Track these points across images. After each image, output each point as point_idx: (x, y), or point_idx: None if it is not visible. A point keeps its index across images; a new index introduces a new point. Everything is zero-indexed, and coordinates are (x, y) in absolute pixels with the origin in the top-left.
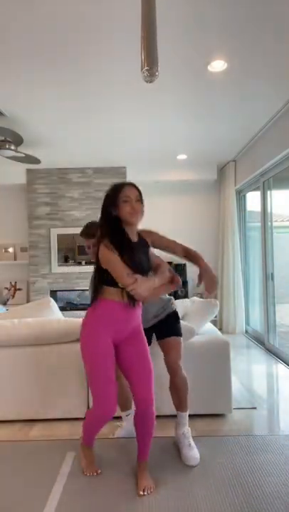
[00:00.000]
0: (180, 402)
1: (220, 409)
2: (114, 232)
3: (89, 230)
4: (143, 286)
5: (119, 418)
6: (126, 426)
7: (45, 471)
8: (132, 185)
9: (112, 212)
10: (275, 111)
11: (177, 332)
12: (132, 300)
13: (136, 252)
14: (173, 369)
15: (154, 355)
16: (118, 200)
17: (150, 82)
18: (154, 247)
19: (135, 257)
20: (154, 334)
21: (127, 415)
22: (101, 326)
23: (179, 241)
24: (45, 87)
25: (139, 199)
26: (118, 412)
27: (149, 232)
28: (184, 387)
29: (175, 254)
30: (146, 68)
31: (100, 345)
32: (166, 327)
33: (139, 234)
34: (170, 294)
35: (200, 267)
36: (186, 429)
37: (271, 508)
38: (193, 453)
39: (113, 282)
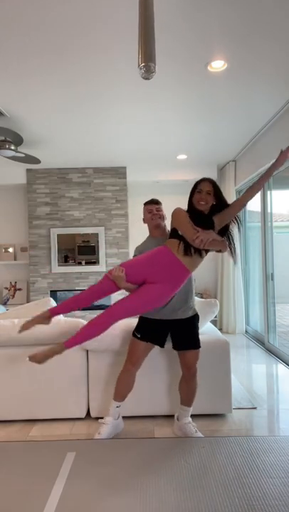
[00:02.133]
0: (189, 400)
1: (220, 409)
2: (190, 208)
3: (157, 200)
4: (204, 233)
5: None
6: (111, 421)
7: (45, 471)
8: (208, 180)
9: (191, 199)
10: (275, 111)
11: (196, 345)
12: (188, 250)
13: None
14: (191, 372)
15: (153, 357)
16: (193, 195)
17: (147, 78)
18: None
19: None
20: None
21: (117, 406)
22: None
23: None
24: (46, 88)
25: (210, 193)
26: (105, 413)
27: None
28: (196, 388)
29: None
30: (142, 64)
31: None
32: (184, 337)
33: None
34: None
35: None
36: (189, 418)
37: (272, 509)
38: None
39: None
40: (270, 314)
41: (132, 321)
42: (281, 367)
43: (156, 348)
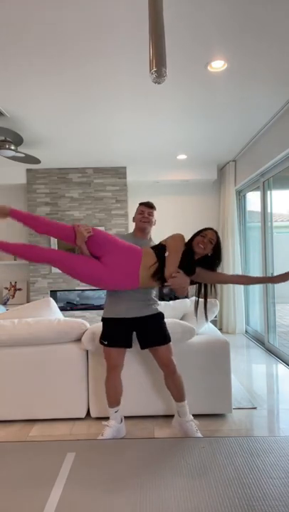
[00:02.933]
0: (180, 395)
1: (220, 409)
2: (188, 248)
3: (152, 204)
4: (183, 277)
5: (103, 419)
6: (114, 424)
7: (45, 471)
8: (214, 231)
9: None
10: (275, 111)
11: (164, 340)
12: (157, 273)
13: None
14: (170, 369)
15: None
16: (196, 236)
17: (158, 83)
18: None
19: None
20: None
21: (115, 411)
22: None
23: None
24: (46, 88)
25: (212, 242)
26: (105, 413)
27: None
28: (181, 381)
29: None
30: (154, 69)
31: None
32: (150, 335)
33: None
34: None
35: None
36: (190, 416)
37: (272, 510)
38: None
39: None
40: (270, 314)
41: None
42: (281, 367)
43: None
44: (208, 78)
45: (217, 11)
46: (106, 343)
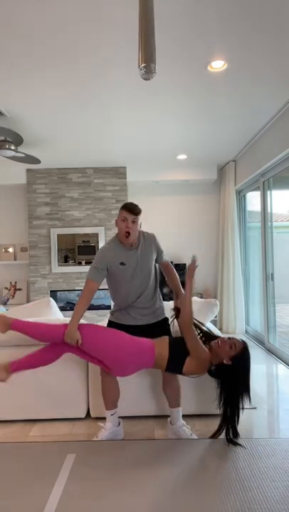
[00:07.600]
0: (176, 400)
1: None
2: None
3: (137, 209)
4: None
5: (103, 419)
6: (110, 427)
7: (46, 472)
8: (246, 348)
9: None
10: (275, 111)
11: None
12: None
13: None
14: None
15: None
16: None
17: (147, 79)
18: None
19: None
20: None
21: (111, 414)
22: None
23: (178, 241)
24: (46, 88)
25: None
26: (102, 413)
27: None
28: (180, 386)
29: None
30: (143, 65)
31: None
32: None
33: None
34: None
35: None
36: (182, 421)
37: None
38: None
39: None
40: (270, 314)
41: None
42: (281, 367)
43: None
44: (208, 78)
45: (217, 11)
46: None
